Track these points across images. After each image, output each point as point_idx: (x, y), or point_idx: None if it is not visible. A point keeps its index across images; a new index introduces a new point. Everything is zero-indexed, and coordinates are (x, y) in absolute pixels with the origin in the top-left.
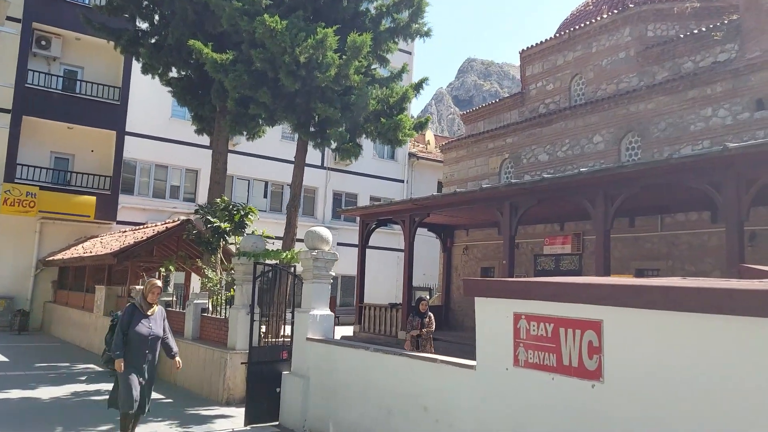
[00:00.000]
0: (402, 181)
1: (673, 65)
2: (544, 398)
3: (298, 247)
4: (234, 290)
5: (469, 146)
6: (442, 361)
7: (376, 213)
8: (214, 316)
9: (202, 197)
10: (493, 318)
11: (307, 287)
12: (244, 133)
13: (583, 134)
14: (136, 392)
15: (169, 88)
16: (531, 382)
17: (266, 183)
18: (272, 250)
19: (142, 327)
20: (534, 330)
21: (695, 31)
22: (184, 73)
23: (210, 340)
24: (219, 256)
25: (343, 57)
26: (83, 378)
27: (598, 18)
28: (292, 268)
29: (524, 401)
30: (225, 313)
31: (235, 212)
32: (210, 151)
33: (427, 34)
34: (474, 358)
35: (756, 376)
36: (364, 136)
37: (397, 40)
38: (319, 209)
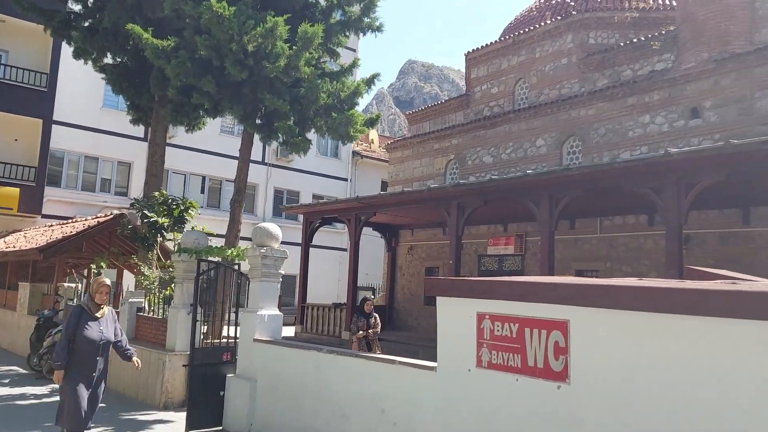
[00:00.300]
0: (346, 180)
1: (613, 73)
2: (508, 400)
3: (242, 244)
4: (172, 288)
5: (415, 146)
6: (401, 363)
7: (320, 211)
8: (151, 315)
9: (135, 191)
10: (456, 318)
11: (254, 286)
12: (185, 124)
13: (526, 138)
14: (85, 406)
15: (103, 75)
16: (495, 383)
17: (204, 178)
18: (216, 247)
19: (92, 331)
20: (498, 330)
21: (635, 41)
22: (120, 59)
23: (147, 341)
24: (156, 252)
25: (293, 48)
26: (6, 381)
27: (542, 24)
28: (237, 266)
29: (488, 403)
30: (162, 313)
31: (174, 207)
32: (145, 144)
33: (379, 29)
34: (421, 358)
35: (727, 376)
36: (313, 130)
37: (348, 33)
38: (259, 206)
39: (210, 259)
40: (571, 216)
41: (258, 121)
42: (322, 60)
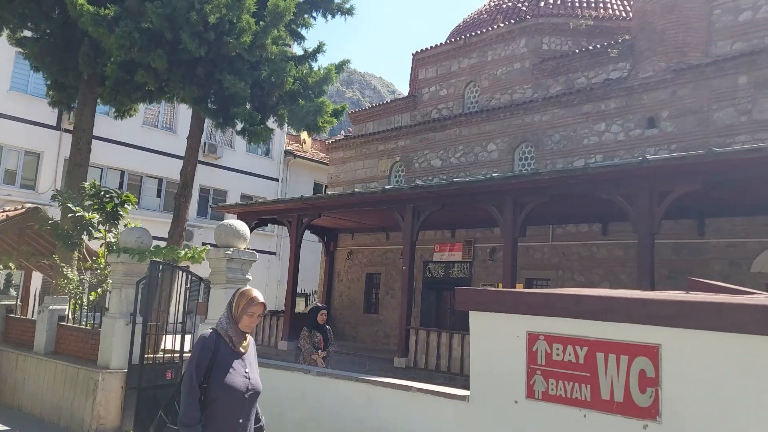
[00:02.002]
0: (277, 180)
1: (567, 79)
2: None
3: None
4: (97, 293)
5: (358, 147)
6: (420, 390)
7: (257, 211)
8: (76, 325)
9: (45, 184)
10: (497, 338)
11: (217, 293)
12: (119, 107)
13: (477, 142)
14: None
15: (21, 49)
16: (553, 419)
17: (123, 173)
18: (166, 247)
19: (236, 376)
20: (558, 354)
21: (590, 48)
22: (43, 30)
23: (71, 356)
24: (83, 252)
25: (261, 23)
26: None
27: (495, 27)
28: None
29: None
30: (88, 322)
31: (107, 200)
32: (57, 132)
33: (350, 12)
34: (368, 372)
35: None
36: (273, 119)
37: (315, 14)
38: None
39: (162, 261)
40: (522, 223)
41: (210, 106)
42: (285, 43)
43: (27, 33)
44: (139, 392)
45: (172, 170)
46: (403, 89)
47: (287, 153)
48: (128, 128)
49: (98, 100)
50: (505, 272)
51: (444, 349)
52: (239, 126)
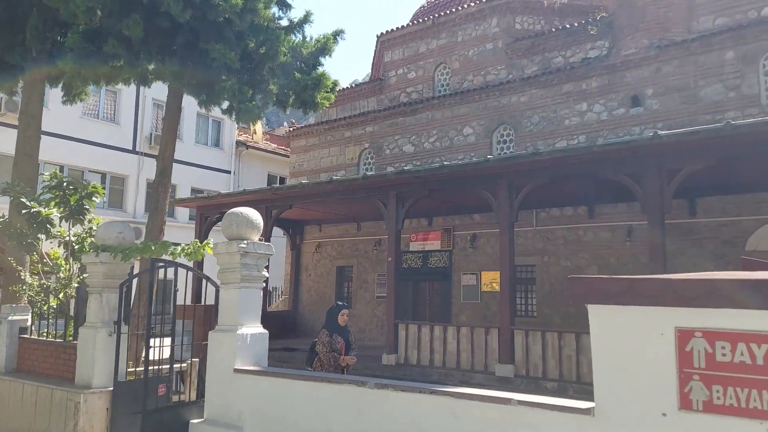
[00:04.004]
0: (228, 172)
1: (543, 59)
2: None
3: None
4: (59, 299)
5: (322, 134)
6: (523, 403)
7: (220, 204)
8: (43, 338)
9: None
10: (632, 336)
11: (230, 295)
12: (63, 93)
13: (451, 125)
14: None
15: None
16: None
17: (62, 167)
18: (155, 242)
19: None
20: (725, 355)
21: (567, 26)
22: None
23: (38, 374)
24: (41, 253)
25: None
26: None
27: (464, 6)
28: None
29: None
30: (51, 333)
31: (71, 192)
32: None
33: None
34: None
35: None
36: (259, 96)
37: None
38: (129, 201)
39: (158, 258)
40: (518, 208)
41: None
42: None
43: None
44: (145, 418)
45: (117, 164)
46: (360, 73)
47: (239, 144)
48: (66, 120)
49: (46, 82)
50: (502, 260)
51: (438, 343)
52: (225, 104)
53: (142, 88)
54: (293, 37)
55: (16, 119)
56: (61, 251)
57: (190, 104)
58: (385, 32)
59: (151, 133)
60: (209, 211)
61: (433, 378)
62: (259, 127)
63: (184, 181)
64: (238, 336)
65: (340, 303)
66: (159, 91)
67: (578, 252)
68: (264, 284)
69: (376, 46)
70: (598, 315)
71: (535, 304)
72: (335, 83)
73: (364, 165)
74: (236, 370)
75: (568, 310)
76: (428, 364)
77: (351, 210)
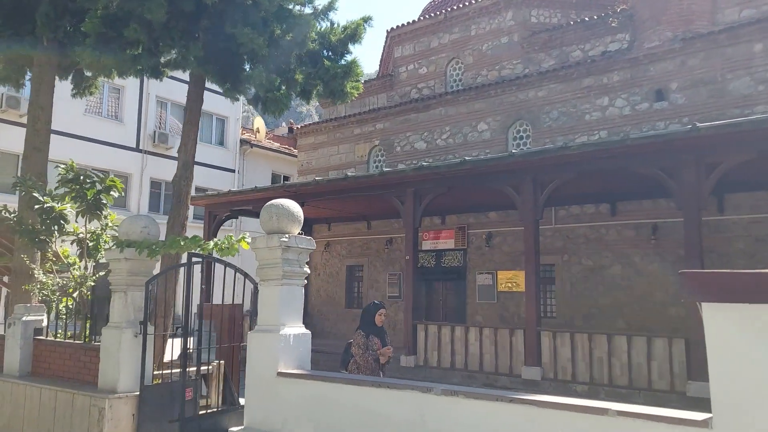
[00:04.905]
0: (233, 171)
1: (560, 53)
2: None
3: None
4: (74, 298)
5: (331, 131)
6: (622, 413)
7: (230, 202)
8: (60, 339)
9: None
10: (761, 339)
11: (270, 292)
12: (76, 84)
13: (466, 121)
14: None
15: None
16: None
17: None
18: (184, 238)
19: None
20: None
21: (586, 19)
22: None
23: (57, 378)
24: (54, 250)
25: None
26: None
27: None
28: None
29: None
30: (63, 334)
31: (89, 186)
32: None
33: None
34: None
35: None
36: (283, 87)
37: None
38: (133, 199)
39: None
40: (543, 204)
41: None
42: None
43: None
44: (183, 426)
45: (120, 162)
46: (367, 69)
47: (243, 142)
48: (68, 117)
49: (55, 74)
50: (527, 259)
51: (459, 344)
52: (252, 92)
53: (145, 85)
54: (319, 25)
55: (18, 115)
56: (71, 249)
57: None
58: (395, 27)
59: (154, 131)
60: (218, 209)
61: (455, 381)
62: (262, 125)
63: None
64: (281, 337)
65: (377, 302)
66: (163, 88)
67: (600, 251)
68: (305, 281)
69: (386, 42)
70: (714, 313)
71: (554, 304)
72: (361, 72)
73: (375, 162)
74: (280, 374)
75: (589, 310)
76: (449, 366)
77: (363, 208)
